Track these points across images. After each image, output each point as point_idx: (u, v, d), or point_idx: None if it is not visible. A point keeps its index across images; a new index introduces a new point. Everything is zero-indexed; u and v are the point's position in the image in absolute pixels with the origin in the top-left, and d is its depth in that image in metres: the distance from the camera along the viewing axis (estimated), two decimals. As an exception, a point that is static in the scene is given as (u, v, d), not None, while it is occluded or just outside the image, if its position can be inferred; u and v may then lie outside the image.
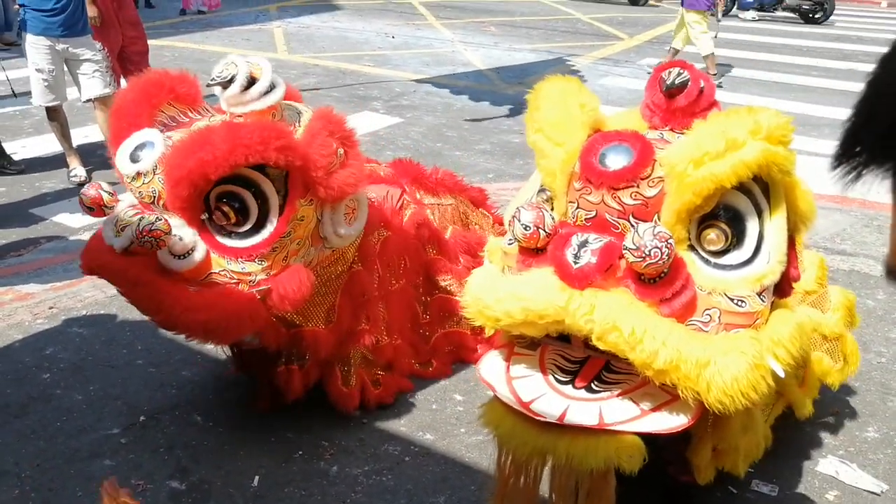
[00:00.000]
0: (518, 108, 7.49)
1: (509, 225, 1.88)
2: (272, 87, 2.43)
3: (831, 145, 0.63)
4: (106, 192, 2.35)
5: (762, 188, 1.78)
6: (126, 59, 6.40)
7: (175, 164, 2.16)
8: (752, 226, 1.78)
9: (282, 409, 2.82)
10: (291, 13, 13.12)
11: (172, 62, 9.04)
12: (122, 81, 6.52)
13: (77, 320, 3.51)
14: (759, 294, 1.76)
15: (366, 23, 12.29)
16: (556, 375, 1.88)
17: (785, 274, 1.83)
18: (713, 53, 8.57)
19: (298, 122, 2.48)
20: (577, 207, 1.84)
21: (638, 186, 1.76)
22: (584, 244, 1.75)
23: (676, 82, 1.90)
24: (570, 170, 1.84)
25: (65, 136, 5.24)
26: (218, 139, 2.14)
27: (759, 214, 1.78)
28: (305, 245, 2.43)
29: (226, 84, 2.36)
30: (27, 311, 3.58)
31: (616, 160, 1.77)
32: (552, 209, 1.91)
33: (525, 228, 1.80)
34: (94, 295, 3.72)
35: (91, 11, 5.24)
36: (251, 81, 2.38)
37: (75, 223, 4.58)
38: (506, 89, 8.27)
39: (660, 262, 1.65)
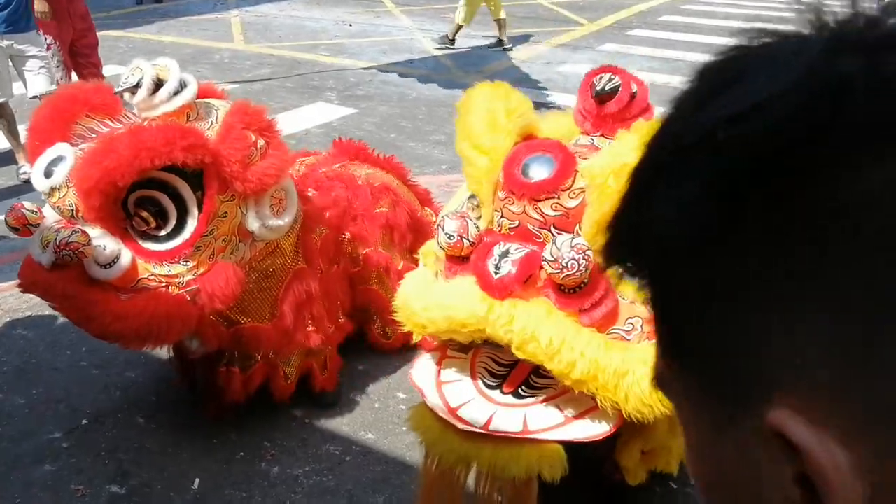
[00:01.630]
0: (474, 97, 7.50)
1: (435, 233, 1.91)
2: (182, 87, 2.43)
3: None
4: (29, 210, 2.34)
5: None
6: (76, 53, 6.31)
7: (82, 176, 2.17)
8: None
9: (224, 409, 2.84)
10: (249, 1, 12.97)
11: (126, 53, 8.94)
12: (73, 75, 6.47)
13: (21, 322, 3.50)
14: None
15: (324, 11, 12.19)
16: (485, 380, 1.93)
17: None
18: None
19: (216, 118, 2.48)
20: (502, 216, 1.87)
21: (559, 198, 1.79)
22: (505, 254, 1.79)
23: (607, 88, 1.92)
24: (494, 178, 1.87)
25: (12, 133, 5.18)
26: (122, 146, 2.16)
27: None
28: (233, 241, 2.45)
29: (133, 89, 2.36)
30: (-30, 314, 3.56)
31: (538, 171, 1.80)
32: (480, 216, 1.94)
33: (449, 238, 1.83)
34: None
35: (40, 6, 5.17)
36: (159, 84, 2.38)
37: (22, 222, 4.53)
38: (463, 78, 8.26)
39: (577, 273, 1.69)
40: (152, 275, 2.32)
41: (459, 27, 9.60)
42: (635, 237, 0.46)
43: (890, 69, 0.36)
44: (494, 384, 1.91)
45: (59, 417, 2.88)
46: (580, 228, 1.79)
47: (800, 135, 0.36)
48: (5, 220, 2.37)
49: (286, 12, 12.04)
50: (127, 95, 2.40)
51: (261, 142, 2.40)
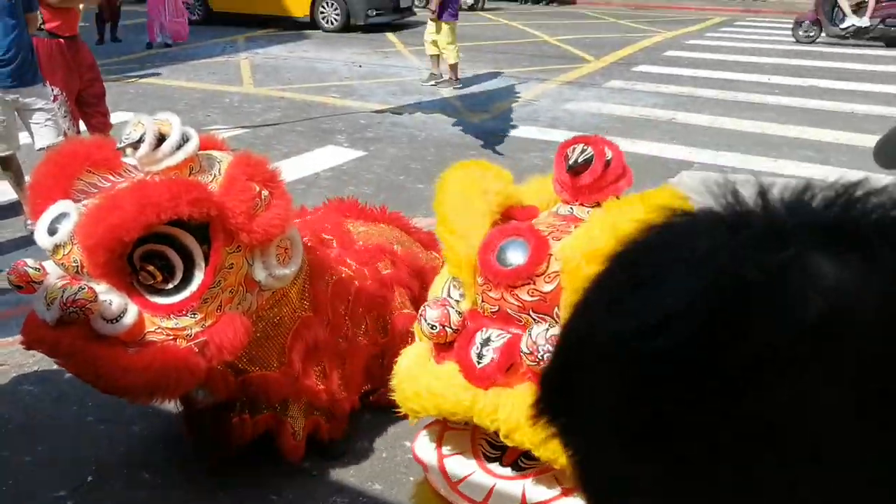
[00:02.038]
0: (483, 137, 7.53)
1: (418, 322, 1.91)
2: (185, 141, 2.43)
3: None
4: (31, 268, 2.34)
5: None
6: (84, 103, 6.39)
7: (87, 232, 2.17)
8: None
9: (231, 461, 2.80)
10: (259, 44, 13.14)
11: (136, 99, 9.05)
12: (81, 124, 6.54)
13: (27, 377, 3.48)
14: None
15: (334, 52, 12.32)
16: (485, 452, 1.93)
17: None
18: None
19: (218, 170, 2.48)
20: (482, 301, 1.87)
21: (535, 283, 1.79)
22: (486, 342, 1.79)
23: (580, 160, 1.92)
24: (473, 263, 1.87)
25: (19, 185, 5.20)
26: (126, 202, 2.15)
27: None
28: (240, 292, 2.44)
29: (136, 145, 2.36)
30: (-24, 369, 3.54)
31: (513, 256, 1.80)
32: (463, 293, 1.94)
33: (431, 328, 1.85)
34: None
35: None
36: (161, 138, 2.38)
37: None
38: (471, 118, 8.31)
39: None
40: (159, 328, 2.30)
41: (453, 71, 9.78)
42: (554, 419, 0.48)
43: (795, 285, 0.37)
44: (495, 456, 1.92)
45: (65, 475, 2.84)
46: (558, 312, 1.78)
47: (697, 356, 0.37)
48: (7, 277, 2.36)
49: (296, 54, 12.17)
50: (129, 150, 2.40)
51: (265, 192, 2.40)
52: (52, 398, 3.31)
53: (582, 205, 1.95)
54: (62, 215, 2.30)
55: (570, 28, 15.17)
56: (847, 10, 12.34)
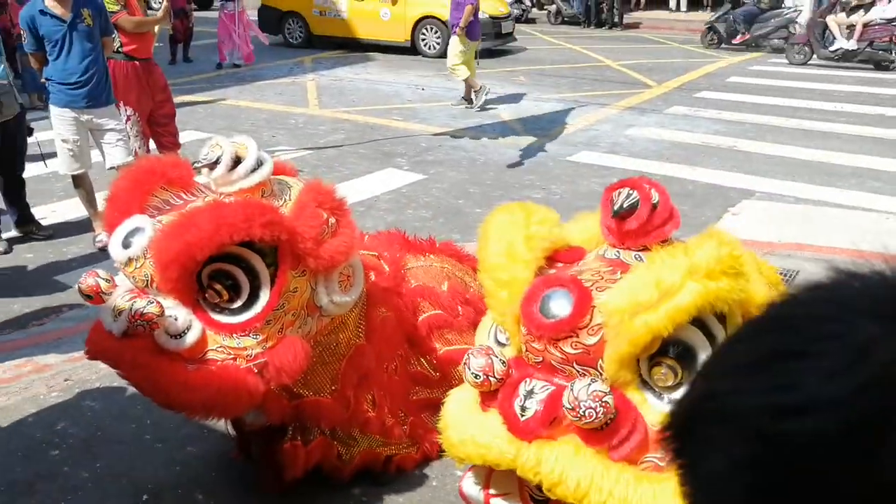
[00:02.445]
0: (541, 162, 7.53)
1: (462, 370, 1.91)
2: (259, 165, 2.49)
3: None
4: (103, 279, 2.42)
5: (717, 313, 1.76)
6: (154, 122, 6.61)
7: (162, 248, 2.23)
8: (703, 356, 1.75)
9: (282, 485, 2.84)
10: (325, 65, 13.38)
11: (204, 119, 9.28)
12: (151, 144, 6.75)
13: (90, 393, 3.59)
14: None
15: (397, 75, 12.47)
16: (532, 494, 1.93)
17: None
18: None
19: (289, 196, 2.54)
20: (526, 350, 1.88)
21: (578, 336, 1.78)
22: (530, 394, 1.79)
23: (625, 206, 1.90)
24: (517, 312, 1.87)
25: (90, 202, 5.39)
26: (203, 220, 2.22)
27: (713, 342, 1.75)
28: (301, 315, 2.48)
29: (212, 165, 2.44)
30: (43, 383, 3.67)
31: (556, 307, 1.79)
32: (509, 337, 1.94)
33: (475, 377, 1.85)
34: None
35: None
36: (237, 161, 2.45)
37: (97, 290, 4.69)
38: (531, 142, 8.31)
39: (595, 420, 1.68)
40: (221, 346, 2.35)
41: (472, 87, 9.93)
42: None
43: None
44: (541, 498, 1.90)
45: (121, 493, 2.93)
46: (602, 364, 1.76)
47: (839, 453, 0.38)
48: (78, 287, 2.45)
49: (361, 76, 12.36)
50: (205, 171, 2.48)
51: (332, 220, 2.46)
52: (112, 415, 3.41)
53: (628, 249, 1.94)
54: (137, 230, 2.38)
55: (633, 52, 15.08)
56: (837, 33, 12.72)
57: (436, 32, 14.05)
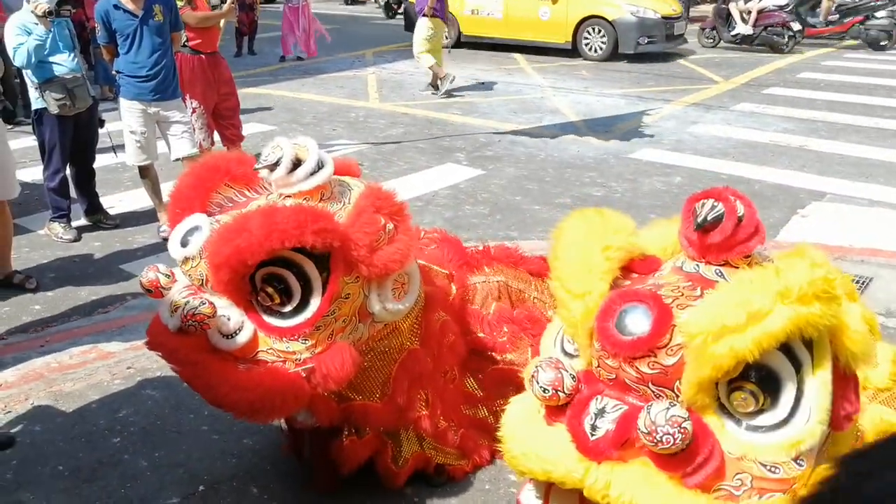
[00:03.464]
0: (602, 159, 7.42)
1: (528, 383, 1.86)
2: (320, 167, 2.48)
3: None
4: (163, 274, 2.45)
5: (804, 338, 1.66)
6: (219, 115, 6.71)
7: (214, 251, 2.25)
8: (788, 384, 1.67)
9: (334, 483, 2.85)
10: (387, 58, 13.42)
11: (267, 111, 9.40)
12: (216, 136, 6.85)
13: (151, 382, 3.65)
14: (796, 459, 1.65)
15: (458, 68, 12.40)
16: None
17: (837, 411, 1.72)
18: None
19: (349, 199, 2.52)
20: (598, 366, 1.81)
21: (656, 356, 1.69)
22: (601, 412, 1.73)
23: (709, 218, 1.80)
24: (589, 324, 1.80)
25: (156, 193, 5.50)
26: (254, 225, 2.22)
27: (798, 369, 1.66)
28: (352, 322, 2.46)
29: (272, 167, 2.44)
30: (107, 370, 3.75)
31: (633, 324, 1.71)
32: (577, 348, 1.88)
33: (543, 391, 1.79)
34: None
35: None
36: (297, 163, 2.45)
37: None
38: (592, 138, 8.20)
39: (672, 447, 1.61)
40: (271, 349, 2.36)
41: (437, 75, 10.28)
42: None
43: None
44: None
45: (178, 482, 2.97)
46: (680, 385, 1.69)
47: None
48: (140, 280, 2.49)
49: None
50: (265, 172, 2.48)
51: (389, 225, 2.43)
52: (171, 405, 3.46)
53: (709, 263, 1.85)
54: (195, 228, 2.40)
55: (699, 47, 14.77)
56: (738, 18, 14.23)
57: (600, 34, 13.22)
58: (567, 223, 1.98)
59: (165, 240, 5.31)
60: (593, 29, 13.29)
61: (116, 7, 5.04)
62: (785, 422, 1.66)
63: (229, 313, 2.34)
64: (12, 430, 3.28)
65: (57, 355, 3.90)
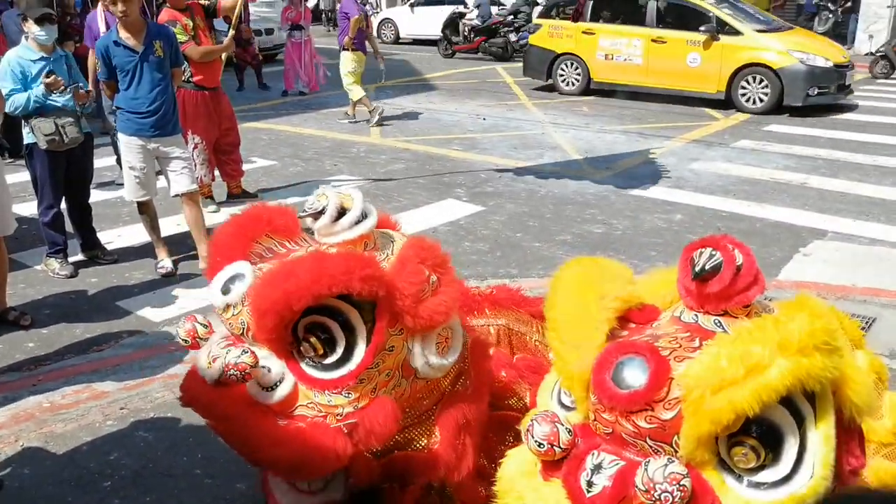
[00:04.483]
0: (602, 196, 7.41)
1: (524, 436, 1.81)
2: (363, 217, 2.43)
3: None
4: (200, 324, 2.41)
5: (806, 391, 1.62)
6: (219, 150, 6.74)
7: (261, 295, 2.17)
8: (790, 438, 1.62)
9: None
10: (388, 94, 13.48)
11: (269, 146, 9.42)
12: (216, 171, 6.85)
13: (144, 423, 3.59)
14: None
15: (458, 104, 12.50)
16: None
17: (842, 466, 1.67)
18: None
19: (392, 250, 2.46)
20: (595, 420, 1.77)
21: (653, 410, 1.65)
22: (598, 468, 1.68)
23: (707, 268, 1.76)
24: (586, 377, 1.76)
25: (153, 229, 5.48)
26: (302, 270, 2.16)
27: (801, 423, 1.62)
28: (395, 376, 2.36)
29: (317, 215, 2.40)
30: (99, 411, 3.69)
31: (630, 377, 1.67)
32: (573, 400, 1.84)
33: (539, 445, 1.75)
34: (164, 396, 3.80)
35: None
36: (342, 212, 2.41)
37: (156, 318, 4.75)
38: (592, 175, 8.20)
39: None
40: (312, 403, 2.26)
41: (358, 102, 10.74)
42: None
43: None
44: None
45: (169, 528, 2.90)
46: (678, 440, 1.64)
47: None
48: (176, 331, 2.42)
49: (423, 105, 12.43)
50: (309, 220, 2.44)
51: (433, 277, 2.35)
52: (164, 447, 3.40)
53: (708, 313, 1.81)
54: (238, 276, 2.33)
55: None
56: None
57: (761, 83, 11.59)
58: (563, 272, 1.95)
59: (164, 276, 5.33)
60: (753, 78, 11.67)
61: (117, 44, 5.05)
62: (788, 478, 1.61)
63: (270, 364, 2.25)
64: (1, 474, 3.21)
65: (49, 395, 3.85)
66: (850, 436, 1.70)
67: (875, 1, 18.20)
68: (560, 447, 1.74)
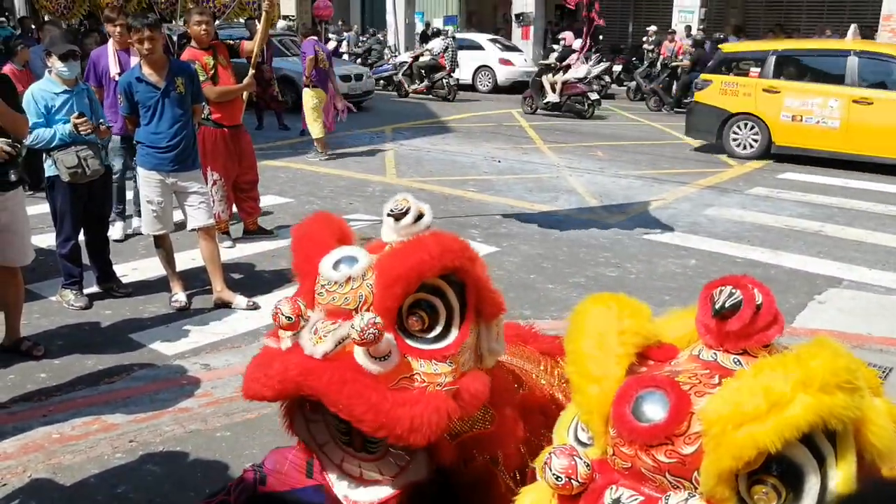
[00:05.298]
0: (617, 239, 7.41)
1: (541, 470, 1.80)
2: (429, 226, 2.63)
3: None
4: (285, 316, 2.44)
5: (826, 431, 1.58)
6: (238, 188, 6.81)
7: (392, 263, 2.32)
8: (811, 478, 1.58)
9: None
10: (405, 135, 13.61)
11: (286, 184, 9.49)
12: (234, 208, 6.90)
13: (153, 456, 3.58)
14: None
15: (474, 146, 12.59)
16: None
17: None
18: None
19: None
20: (613, 454, 1.75)
21: (673, 444, 1.63)
22: (616, 503, 1.66)
23: (727, 305, 1.76)
24: (605, 410, 1.75)
25: (169, 263, 5.51)
26: (430, 244, 2.33)
27: (822, 463, 1.58)
28: (471, 357, 2.52)
29: (399, 216, 2.55)
30: (108, 443, 3.68)
31: (650, 411, 1.66)
32: (591, 437, 1.82)
33: (557, 479, 1.72)
34: (174, 430, 3.80)
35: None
36: (419, 216, 2.59)
37: (169, 351, 4.75)
38: (607, 218, 8.21)
39: None
40: (417, 373, 2.36)
41: (321, 141, 11.30)
42: None
43: None
44: None
45: (174, 564, 2.87)
46: (698, 476, 1.62)
47: None
48: (277, 311, 2.39)
49: (439, 147, 12.52)
50: (391, 220, 2.58)
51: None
52: (172, 482, 3.38)
53: (727, 352, 1.80)
54: (350, 257, 2.46)
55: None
56: (548, 89, 16.77)
57: None
58: (583, 307, 1.95)
59: (178, 310, 5.36)
60: None
61: (139, 80, 5.14)
62: None
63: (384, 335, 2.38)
64: (8, 504, 3.21)
65: (59, 426, 3.85)
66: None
67: (891, 52, 18.22)
68: (578, 481, 1.71)
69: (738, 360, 1.78)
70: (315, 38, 11.46)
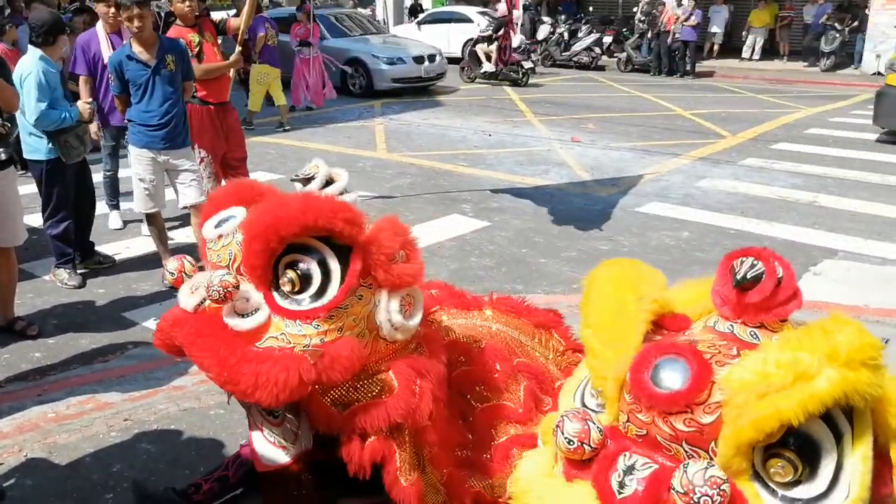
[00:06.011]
0: (609, 212, 7.40)
1: (553, 433, 1.77)
2: (344, 192, 2.61)
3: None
4: (188, 262, 2.50)
5: (844, 408, 1.57)
6: (227, 165, 6.72)
7: (254, 221, 2.34)
8: (828, 454, 1.57)
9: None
10: (394, 109, 13.53)
11: (276, 160, 9.44)
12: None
13: (147, 435, 3.58)
14: None
15: (465, 120, 12.52)
16: None
17: (874, 491, 1.63)
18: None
19: (367, 226, 2.61)
20: (628, 421, 1.73)
21: (692, 412, 1.61)
22: (630, 470, 1.63)
23: (749, 277, 1.72)
24: (621, 375, 1.72)
25: (161, 241, 5.49)
26: (293, 202, 2.34)
27: (839, 440, 1.57)
28: (361, 325, 2.47)
29: (306, 181, 2.58)
30: (103, 422, 3.68)
31: (669, 379, 1.63)
32: (602, 403, 1.80)
33: (569, 442, 1.69)
34: (168, 408, 3.80)
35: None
36: (328, 182, 2.59)
37: (162, 329, 4.73)
38: (598, 191, 8.19)
39: None
40: (283, 334, 2.37)
41: (252, 112, 11.82)
42: None
43: None
44: None
45: (172, 541, 2.87)
46: (715, 446, 1.61)
47: None
48: (165, 270, 2.49)
49: (429, 121, 12.45)
50: (299, 185, 2.62)
51: (402, 252, 2.49)
52: (166, 460, 3.38)
53: (744, 324, 1.78)
54: (231, 217, 2.49)
55: (705, 102, 14.87)
56: (483, 59, 17.43)
57: None
58: (600, 270, 1.92)
59: (170, 288, 5.32)
60: None
61: (130, 58, 5.08)
62: (824, 495, 1.56)
63: (249, 293, 2.38)
64: (4, 484, 3.20)
65: (54, 405, 3.84)
66: (882, 462, 1.66)
67: (882, 21, 18.19)
68: (590, 446, 1.69)
69: (755, 334, 1.76)
70: (264, 15, 12.28)
